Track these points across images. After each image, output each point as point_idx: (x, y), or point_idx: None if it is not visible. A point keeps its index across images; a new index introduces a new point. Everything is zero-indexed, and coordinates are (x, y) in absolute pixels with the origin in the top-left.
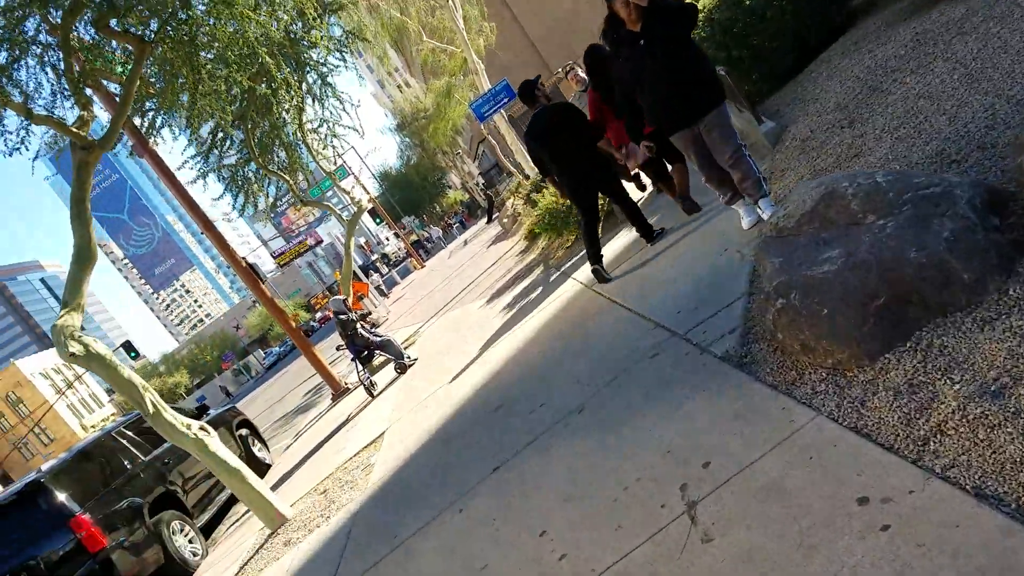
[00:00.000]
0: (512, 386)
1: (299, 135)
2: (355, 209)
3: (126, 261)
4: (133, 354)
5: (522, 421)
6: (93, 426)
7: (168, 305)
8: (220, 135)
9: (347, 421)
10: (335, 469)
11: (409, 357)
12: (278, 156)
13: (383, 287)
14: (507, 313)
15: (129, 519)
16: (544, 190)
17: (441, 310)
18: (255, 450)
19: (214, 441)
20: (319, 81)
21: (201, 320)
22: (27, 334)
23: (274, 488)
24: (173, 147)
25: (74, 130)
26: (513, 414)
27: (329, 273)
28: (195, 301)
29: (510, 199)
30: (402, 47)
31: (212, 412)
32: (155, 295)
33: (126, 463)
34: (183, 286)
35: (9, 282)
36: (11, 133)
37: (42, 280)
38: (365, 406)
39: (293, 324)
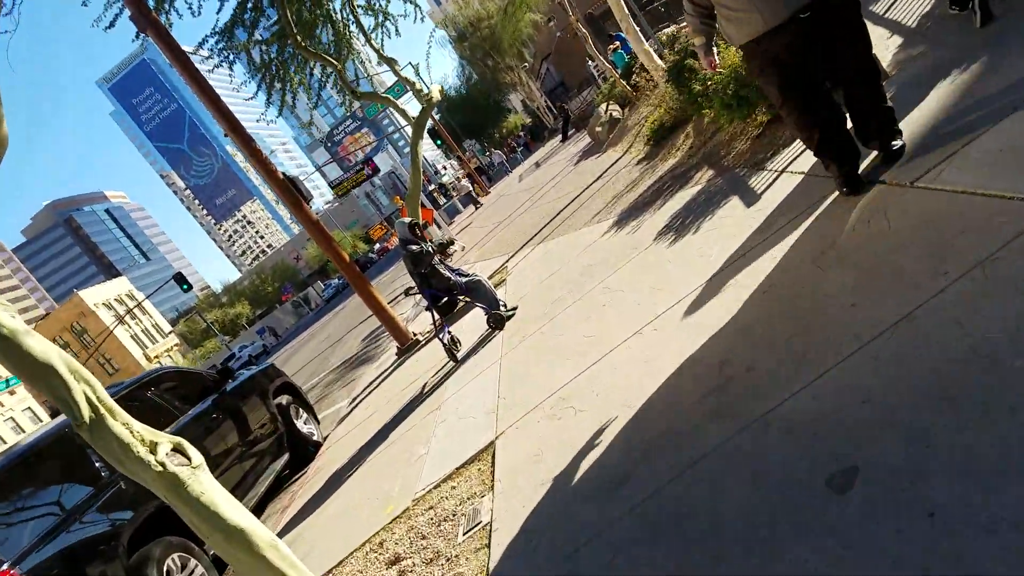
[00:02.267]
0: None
1: (347, 9)
2: (423, 105)
3: (188, 192)
4: (185, 286)
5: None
6: (157, 356)
7: (230, 236)
8: (249, 4)
9: (421, 397)
10: (408, 508)
11: (506, 306)
12: (322, 37)
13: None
14: (678, 239)
15: (95, 560)
16: (691, 73)
17: (533, 238)
18: (299, 423)
19: (199, 479)
20: None
21: (264, 251)
22: (93, 264)
23: (307, 514)
24: (193, 24)
25: None
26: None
27: (388, 203)
28: (256, 232)
29: (603, 104)
30: None
31: (243, 374)
32: (217, 226)
33: (100, 468)
34: (244, 217)
35: (76, 213)
36: None
37: (107, 211)
38: (446, 375)
39: (346, 256)
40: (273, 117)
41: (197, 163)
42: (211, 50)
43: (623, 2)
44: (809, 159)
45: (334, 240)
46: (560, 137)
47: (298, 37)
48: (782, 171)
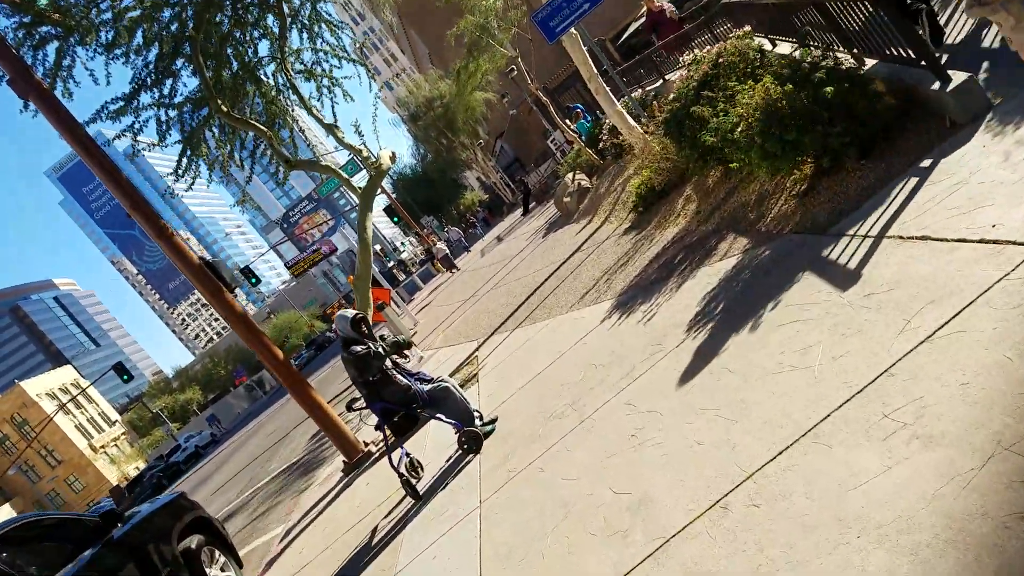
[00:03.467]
0: None
1: (282, 74)
2: (371, 173)
3: (140, 276)
4: (125, 377)
5: None
6: (103, 446)
7: (184, 320)
8: (151, 65)
9: (369, 551)
10: None
11: (482, 417)
12: (251, 101)
13: (403, 292)
14: (729, 333)
15: None
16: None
17: (507, 321)
18: (214, 571)
19: None
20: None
21: (219, 333)
22: (41, 352)
23: None
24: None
25: None
26: None
27: (345, 282)
28: (211, 314)
29: (568, 174)
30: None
31: (138, 512)
32: (171, 310)
33: None
34: (198, 300)
35: (22, 302)
36: None
37: (55, 299)
38: (403, 516)
39: (278, 353)
40: (182, 190)
41: (149, 248)
42: (109, 117)
43: (591, 62)
44: (925, 218)
45: (263, 335)
46: (521, 211)
47: (219, 101)
48: (881, 236)
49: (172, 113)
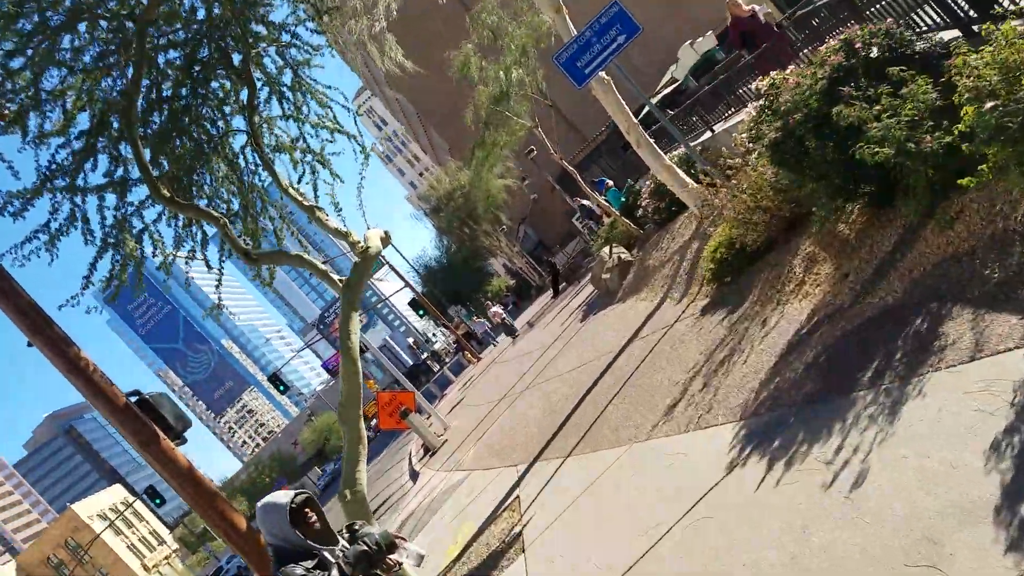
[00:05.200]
0: None
1: (252, 150)
2: (357, 259)
3: (185, 388)
4: (157, 500)
5: None
6: (156, 566)
7: (231, 428)
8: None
9: None
10: None
11: None
12: (214, 180)
13: (433, 388)
14: None
15: None
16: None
17: (554, 439)
18: None
19: None
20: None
21: (265, 438)
22: (95, 471)
23: None
24: None
25: None
26: None
27: (381, 376)
28: (256, 420)
29: (604, 249)
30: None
31: None
32: (217, 419)
33: None
34: (244, 407)
35: (76, 422)
36: None
37: None
38: None
39: (242, 522)
40: (94, 307)
41: (193, 359)
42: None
43: (627, 109)
44: None
45: (219, 496)
46: (551, 293)
47: (156, 184)
48: None
49: (87, 200)
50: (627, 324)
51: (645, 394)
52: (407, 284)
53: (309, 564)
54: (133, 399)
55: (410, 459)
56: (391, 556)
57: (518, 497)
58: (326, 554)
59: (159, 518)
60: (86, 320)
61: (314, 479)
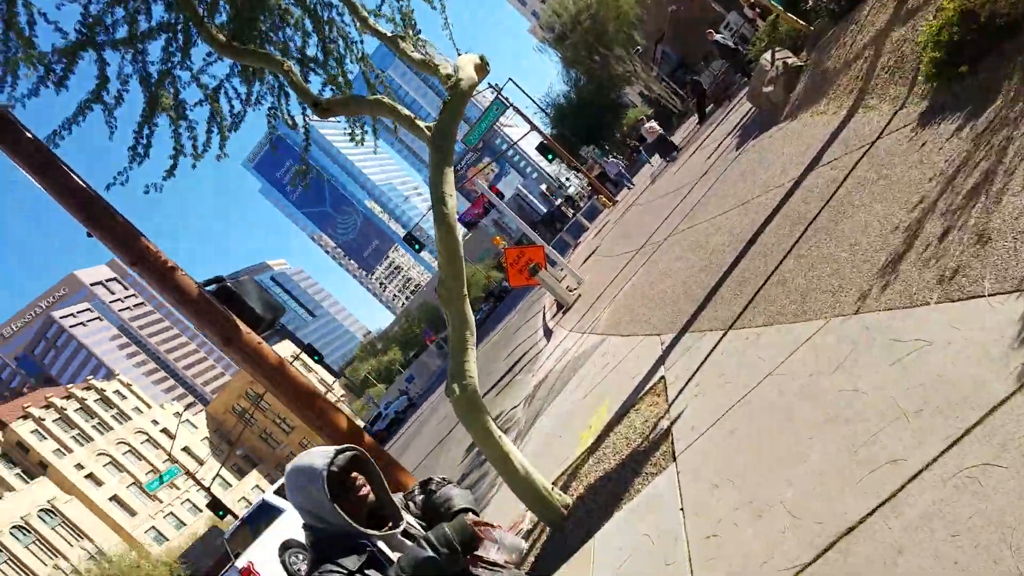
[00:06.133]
0: None
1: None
2: (447, 96)
3: (338, 249)
4: (316, 357)
5: None
6: None
7: (382, 283)
8: None
9: None
10: None
11: None
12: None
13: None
14: None
15: None
16: None
17: (705, 308)
18: None
19: None
20: None
21: (414, 291)
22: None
23: None
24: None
25: None
26: None
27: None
28: (403, 276)
29: (766, 54)
30: None
31: None
32: (368, 275)
33: None
34: (391, 263)
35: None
36: None
37: (272, 278)
38: None
39: (345, 425)
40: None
41: (341, 221)
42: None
43: None
44: None
45: (318, 395)
46: (696, 119)
47: (209, 29)
48: None
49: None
50: (802, 147)
51: (843, 244)
52: (533, 127)
53: (357, 559)
54: (210, 288)
55: (544, 316)
56: (476, 553)
57: (663, 379)
58: (381, 545)
59: (326, 367)
60: (240, 188)
61: None
